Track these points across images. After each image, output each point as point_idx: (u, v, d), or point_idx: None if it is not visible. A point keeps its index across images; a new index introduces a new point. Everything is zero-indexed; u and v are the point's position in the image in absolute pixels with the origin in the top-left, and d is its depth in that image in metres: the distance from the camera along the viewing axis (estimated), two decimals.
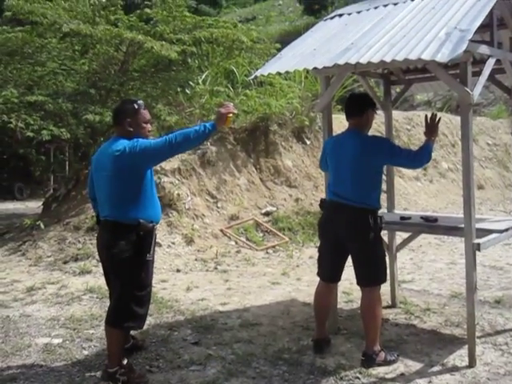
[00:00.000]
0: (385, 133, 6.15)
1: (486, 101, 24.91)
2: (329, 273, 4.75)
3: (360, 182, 4.41)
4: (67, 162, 14.53)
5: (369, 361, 4.43)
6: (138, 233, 4.06)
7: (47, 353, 4.80)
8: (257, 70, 5.04)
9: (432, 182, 13.89)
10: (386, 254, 5.73)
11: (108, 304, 5.51)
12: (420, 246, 9.17)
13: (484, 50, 4.34)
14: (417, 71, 5.98)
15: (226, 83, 11.86)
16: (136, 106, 4.18)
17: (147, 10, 11.42)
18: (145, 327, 4.61)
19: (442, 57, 3.66)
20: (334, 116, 5.50)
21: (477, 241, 4.29)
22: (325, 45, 4.65)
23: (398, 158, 4.50)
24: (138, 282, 4.13)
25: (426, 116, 4.63)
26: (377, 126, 13.66)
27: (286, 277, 7.39)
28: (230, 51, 11.96)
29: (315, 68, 4.42)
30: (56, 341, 5.07)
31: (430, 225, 4.97)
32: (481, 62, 4.94)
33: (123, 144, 4.02)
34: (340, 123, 12.52)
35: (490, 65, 4.42)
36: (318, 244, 4.89)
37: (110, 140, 4.24)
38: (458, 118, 17.22)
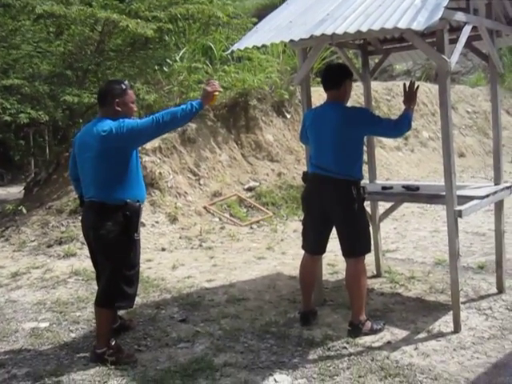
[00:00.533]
0: (364, 104, 6.15)
1: (465, 69, 24.87)
2: (313, 245, 4.77)
3: (342, 154, 4.42)
4: (47, 146, 14.41)
5: (355, 330, 4.48)
6: (124, 213, 4.05)
7: (34, 337, 4.79)
8: (234, 45, 5.00)
9: (413, 151, 13.94)
10: (370, 224, 5.77)
11: (94, 286, 5.56)
12: (403, 215, 9.23)
13: (460, 16, 4.33)
14: (394, 40, 5.95)
15: (203, 60, 11.74)
16: (124, 87, 4.17)
17: None
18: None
19: (418, 25, 3.65)
20: (313, 89, 5.48)
21: (458, 208, 4.32)
22: (301, 17, 4.61)
23: (379, 127, 4.52)
24: (127, 261, 4.15)
25: (405, 84, 4.64)
26: (356, 98, 13.64)
27: (271, 251, 7.41)
28: (206, 27, 11.85)
29: (292, 40, 4.41)
30: (43, 325, 5.07)
31: (411, 193, 5.00)
32: (457, 29, 4.95)
33: (109, 124, 4.01)
34: (319, 96, 12.47)
35: (466, 32, 4.41)
36: (302, 217, 4.91)
37: (94, 120, 4.22)
38: (437, 87, 17.28)
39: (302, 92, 5.17)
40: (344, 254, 4.60)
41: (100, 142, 4.00)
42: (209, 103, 4.29)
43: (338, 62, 5.23)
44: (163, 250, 7.67)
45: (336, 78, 4.57)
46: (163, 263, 6.98)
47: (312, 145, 4.66)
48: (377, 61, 6.19)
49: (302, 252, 4.89)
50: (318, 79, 14.24)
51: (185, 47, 11.50)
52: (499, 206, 5.15)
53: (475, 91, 17.83)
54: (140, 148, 8.81)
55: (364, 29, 3.85)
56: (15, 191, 13.97)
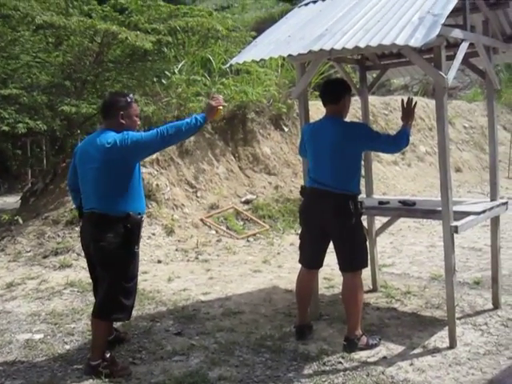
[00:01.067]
0: (361, 118, 6.17)
1: (462, 84, 25.01)
2: (311, 259, 4.77)
3: (340, 168, 4.43)
4: (44, 156, 14.41)
5: (351, 345, 4.47)
6: (125, 225, 4.05)
7: (29, 349, 4.76)
8: (233, 58, 5.03)
9: (410, 165, 13.97)
10: (367, 238, 5.77)
11: (89, 297, 5.56)
12: (400, 229, 9.24)
13: (457, 33, 4.36)
14: (392, 56, 6.00)
15: (202, 72, 11.77)
16: (129, 99, 4.20)
17: (121, 0, 11.31)
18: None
19: (416, 41, 3.67)
20: (311, 102, 5.51)
21: (454, 223, 4.33)
22: (299, 31, 4.64)
23: (377, 142, 4.53)
24: (126, 273, 4.14)
25: (403, 100, 4.66)
26: (354, 112, 13.69)
27: (268, 264, 7.41)
28: (205, 40, 11.91)
29: (290, 55, 4.42)
30: (37, 336, 5.04)
31: (408, 208, 5.00)
32: (455, 45, 4.98)
33: (113, 136, 4.01)
34: (317, 109, 12.53)
35: (463, 48, 4.44)
36: (299, 231, 4.90)
37: (98, 132, 4.23)
38: (435, 102, 17.36)
39: (300, 106, 5.19)
40: (341, 269, 4.59)
41: (104, 153, 4.00)
42: (213, 117, 4.34)
43: (338, 77, 5.24)
44: (159, 262, 7.66)
45: (336, 92, 4.59)
46: (159, 275, 6.97)
47: (310, 159, 4.67)
48: (375, 75, 6.22)
49: (299, 266, 4.89)
50: (316, 93, 14.31)
51: (184, 59, 11.53)
52: (495, 221, 5.16)
53: (472, 106, 17.91)
54: None
55: (362, 45, 3.87)
56: (12, 201, 13.91)
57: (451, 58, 4.43)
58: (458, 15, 4.74)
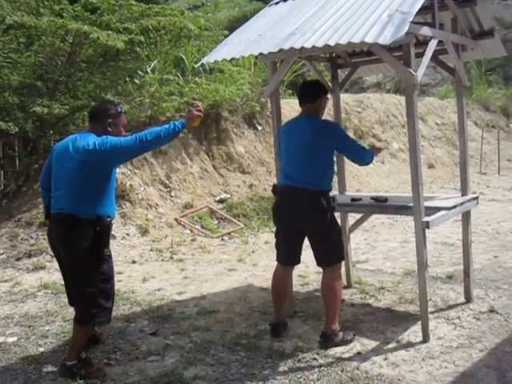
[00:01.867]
0: (334, 115, 6.21)
1: (434, 81, 25.20)
2: (287, 256, 4.81)
3: (314, 165, 4.50)
4: (17, 157, 14.24)
5: (327, 341, 4.51)
6: (95, 227, 4.03)
7: (2, 352, 4.72)
8: (205, 57, 5.03)
9: (383, 162, 14.06)
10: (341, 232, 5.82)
11: (63, 299, 5.53)
12: (373, 226, 9.31)
13: (426, 31, 4.42)
14: (363, 54, 6.04)
15: (175, 71, 11.74)
16: (119, 109, 4.28)
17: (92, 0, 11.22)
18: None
19: (385, 39, 3.71)
20: (284, 101, 5.55)
21: (426, 219, 4.38)
22: (270, 30, 4.65)
23: (348, 146, 4.66)
24: (101, 275, 4.11)
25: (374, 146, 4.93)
26: (327, 110, 13.72)
27: (242, 263, 7.42)
28: (178, 39, 11.84)
29: (261, 54, 4.44)
30: (11, 339, 4.99)
31: (380, 205, 5.05)
32: (424, 43, 5.02)
33: (94, 139, 4.03)
34: (291, 108, 12.60)
35: (432, 46, 4.50)
36: (275, 229, 4.92)
37: (80, 133, 4.24)
38: None
39: (272, 104, 5.21)
40: (320, 264, 4.66)
41: (82, 154, 4.00)
42: (191, 124, 4.38)
43: (315, 79, 5.29)
44: (134, 262, 7.62)
45: (313, 91, 4.71)
46: (133, 276, 6.94)
47: (284, 155, 4.72)
48: (346, 73, 6.25)
49: (274, 263, 4.92)
50: (289, 91, 14.39)
51: (156, 59, 11.48)
52: (466, 216, 5.23)
53: (444, 103, 18.08)
54: None
55: (332, 43, 3.90)
56: None
57: (421, 55, 4.48)
58: (427, 13, 4.81)
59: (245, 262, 7.49)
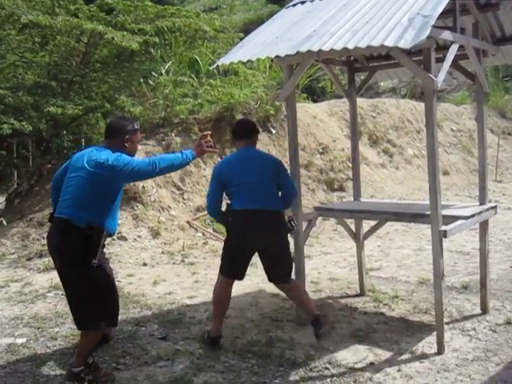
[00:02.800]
0: (350, 120, 6.11)
1: (450, 87, 25.05)
2: (240, 271, 4.88)
3: (272, 189, 4.80)
4: (30, 157, 14.24)
5: (317, 325, 4.79)
6: (86, 235, 3.97)
7: (10, 353, 4.67)
8: (220, 59, 4.97)
9: (398, 168, 13.95)
10: (354, 242, 5.76)
11: None
12: (387, 232, 9.20)
13: (447, 35, 4.32)
14: (380, 58, 5.96)
15: (189, 73, 11.70)
16: (136, 126, 4.36)
17: (108, 0, 11.22)
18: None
19: (405, 43, 3.62)
20: (299, 105, 5.47)
21: (443, 228, 4.28)
22: (287, 32, 4.58)
23: (286, 179, 4.89)
24: (90, 282, 3.99)
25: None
26: (342, 114, 13.70)
27: (254, 267, 7.25)
28: (192, 41, 11.83)
29: (277, 56, 4.35)
30: (20, 341, 4.94)
31: (396, 212, 4.95)
32: (444, 48, 4.93)
33: (108, 154, 4.09)
34: (305, 112, 12.55)
35: (453, 51, 4.40)
36: (226, 243, 5.02)
37: (98, 147, 4.32)
38: (423, 105, 17.25)
39: (288, 108, 5.13)
40: (281, 280, 4.87)
41: (93, 166, 4.05)
42: (201, 156, 4.58)
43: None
44: (145, 264, 7.56)
45: (253, 129, 5.04)
46: (144, 278, 6.87)
47: (238, 186, 4.71)
48: (363, 77, 6.17)
49: None
50: (305, 95, 14.32)
51: (171, 60, 11.45)
52: (484, 225, 5.12)
53: (460, 109, 17.92)
54: None
55: (351, 46, 3.81)
56: None
57: (440, 60, 4.39)
58: (448, 17, 4.71)
59: (257, 266, 7.31)
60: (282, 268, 4.80)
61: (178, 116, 10.29)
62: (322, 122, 13.07)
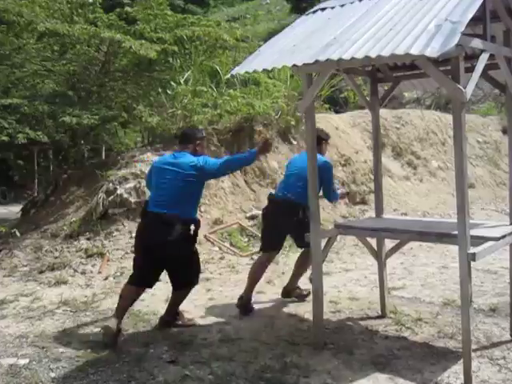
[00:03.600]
0: (372, 132, 5.82)
1: (475, 98, 24.60)
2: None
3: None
4: (51, 166, 14.18)
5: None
6: (190, 226, 5.11)
7: (11, 375, 4.43)
8: (235, 68, 4.73)
9: (422, 181, 13.59)
10: (376, 260, 5.48)
11: (82, 318, 5.67)
12: (411, 248, 8.86)
13: (477, 43, 4.03)
14: (405, 68, 5.67)
15: (209, 83, 11.49)
16: (203, 134, 5.54)
17: (127, 9, 11.09)
18: (118, 343, 4.95)
19: (432, 51, 3.34)
20: (321, 115, 5.22)
21: (472, 250, 3.98)
22: (305, 40, 4.33)
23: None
24: (197, 256, 5.44)
25: None
26: (364, 125, 13.39)
27: (271, 285, 7.03)
28: (213, 50, 11.65)
29: (295, 65, 4.10)
30: (22, 361, 4.70)
31: (420, 231, 4.64)
32: (472, 57, 4.63)
33: (194, 158, 5.12)
34: (327, 123, 12.25)
35: (483, 60, 4.10)
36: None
37: (175, 153, 5.30)
38: (448, 116, 16.95)
39: (307, 120, 4.85)
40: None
41: (186, 169, 5.05)
42: (259, 156, 5.44)
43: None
44: (159, 280, 7.29)
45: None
46: (157, 295, 6.60)
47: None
48: (386, 88, 5.88)
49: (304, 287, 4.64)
50: (327, 106, 14.03)
51: (190, 70, 11.25)
52: None
53: (486, 121, 17.49)
54: (139, 173, 8.61)
55: (373, 54, 3.54)
56: (16, 210, 13.65)
57: (468, 70, 4.09)
58: (477, 24, 4.41)
59: (274, 284, 7.09)
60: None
61: (196, 127, 10.07)
62: (344, 133, 12.77)
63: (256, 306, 6.12)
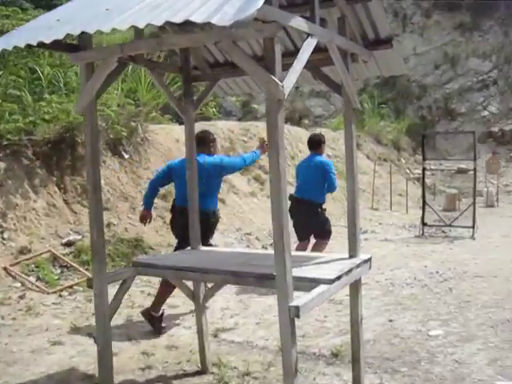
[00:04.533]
0: (185, 143, 4.68)
1: (328, 113, 24.66)
2: None
3: None
4: None
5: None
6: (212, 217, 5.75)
7: None
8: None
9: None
10: (193, 303, 4.39)
11: None
12: None
13: (300, 23, 3.02)
14: (228, 64, 4.63)
15: (27, 86, 9.89)
16: (215, 136, 6.20)
17: None
18: None
19: (223, 18, 2.25)
20: (160, 126, 4.07)
21: (294, 303, 2.92)
22: (74, 14, 3.13)
23: None
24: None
25: None
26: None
27: (75, 332, 5.64)
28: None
29: (43, 44, 2.87)
30: None
31: (236, 272, 3.55)
32: (296, 53, 3.64)
33: (215, 158, 5.88)
34: (167, 135, 11.04)
35: (309, 46, 3.09)
36: None
37: (198, 154, 5.22)
38: (298, 129, 16.40)
39: (87, 125, 3.65)
40: None
41: (211, 168, 5.63)
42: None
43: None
44: None
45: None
46: None
47: None
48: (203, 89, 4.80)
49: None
50: (169, 116, 12.80)
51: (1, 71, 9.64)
52: (356, 287, 3.82)
53: (336, 135, 17.14)
54: None
55: (141, 24, 2.40)
56: None
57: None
58: (307, 9, 3.44)
59: (79, 330, 5.68)
60: None
61: (3, 137, 8.48)
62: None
63: (46, 366, 4.76)
